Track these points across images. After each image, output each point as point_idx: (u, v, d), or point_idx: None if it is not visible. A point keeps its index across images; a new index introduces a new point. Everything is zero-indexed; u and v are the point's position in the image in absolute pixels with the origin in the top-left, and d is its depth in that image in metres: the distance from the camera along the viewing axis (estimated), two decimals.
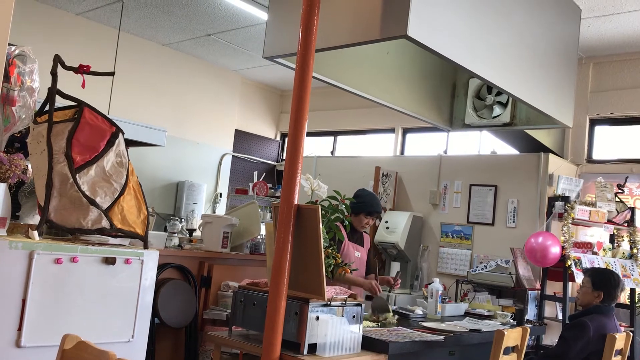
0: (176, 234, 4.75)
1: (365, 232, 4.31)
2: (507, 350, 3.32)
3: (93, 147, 2.36)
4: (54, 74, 2.40)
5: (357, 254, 4.11)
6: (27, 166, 2.18)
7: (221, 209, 7.31)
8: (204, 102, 7.51)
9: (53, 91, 2.37)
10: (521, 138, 5.38)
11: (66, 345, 1.85)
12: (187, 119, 7.30)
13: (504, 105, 4.96)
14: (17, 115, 2.21)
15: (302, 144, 2.77)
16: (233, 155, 7.74)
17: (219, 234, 4.45)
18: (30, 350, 2.14)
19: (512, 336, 3.31)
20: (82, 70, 2.55)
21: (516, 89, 4.00)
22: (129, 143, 5.74)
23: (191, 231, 4.91)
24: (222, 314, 4.25)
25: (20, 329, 2.11)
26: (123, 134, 2.49)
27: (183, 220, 6.51)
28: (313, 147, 8.11)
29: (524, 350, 3.40)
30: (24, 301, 2.12)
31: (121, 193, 2.40)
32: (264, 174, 6.69)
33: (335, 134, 8.02)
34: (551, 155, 5.20)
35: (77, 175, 2.29)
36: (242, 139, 7.93)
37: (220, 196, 7.37)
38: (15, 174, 2.10)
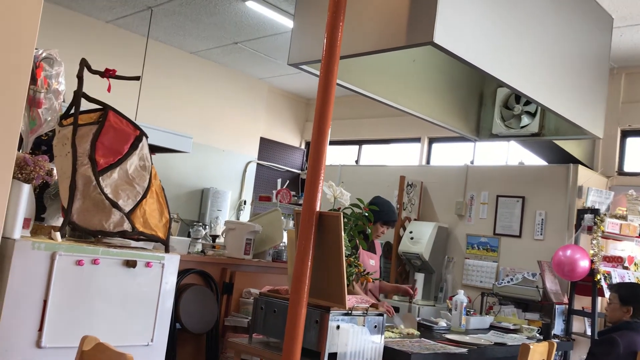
0: (199, 240, 4.76)
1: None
2: None
3: (117, 150, 2.37)
4: (80, 77, 2.42)
5: (371, 262, 4.07)
6: (52, 169, 2.19)
7: (245, 216, 7.33)
8: (230, 110, 7.56)
9: (79, 94, 2.39)
10: (550, 149, 5.28)
11: (85, 346, 1.85)
12: (213, 126, 7.35)
13: (532, 115, 4.87)
14: (43, 117, 2.23)
15: (325, 149, 2.75)
16: (258, 163, 7.76)
17: (242, 240, 4.45)
18: (50, 350, 2.14)
19: (539, 350, 3.22)
20: (108, 74, 2.57)
21: (545, 98, 3.92)
22: (155, 149, 5.85)
23: (214, 237, 4.91)
24: (244, 321, 4.24)
25: (41, 329, 2.12)
26: (147, 137, 2.50)
27: (207, 226, 6.54)
28: (337, 155, 8.09)
29: None
30: (45, 302, 2.13)
31: (144, 196, 2.40)
32: (288, 181, 6.69)
33: (360, 142, 7.98)
34: (580, 167, 5.09)
35: (100, 177, 2.30)
36: (267, 146, 7.95)
37: (245, 203, 7.39)
38: (40, 175, 2.11)
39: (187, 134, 5.88)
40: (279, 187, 5.99)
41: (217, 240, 4.87)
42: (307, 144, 8.61)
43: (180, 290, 4.00)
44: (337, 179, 6.34)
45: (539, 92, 3.85)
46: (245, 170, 7.56)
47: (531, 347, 3.10)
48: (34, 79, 2.12)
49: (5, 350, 2.05)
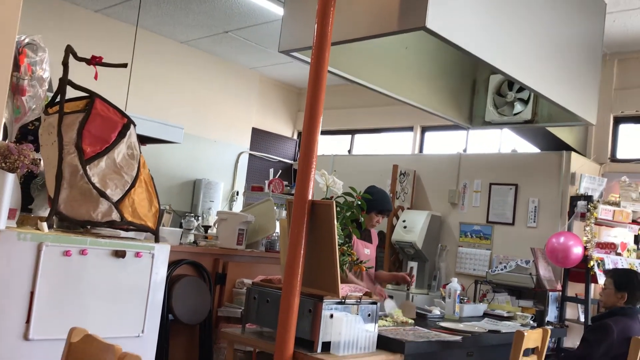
0: (192, 231, 4.72)
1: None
2: (527, 352, 3.22)
3: (104, 139, 2.32)
4: (65, 64, 2.37)
5: (366, 251, 4.05)
6: (38, 158, 2.15)
7: (238, 207, 7.29)
8: (222, 100, 7.49)
9: (64, 82, 2.34)
10: (543, 136, 5.26)
11: (73, 338, 1.81)
12: (205, 117, 7.28)
13: (525, 102, 4.85)
14: (27, 105, 2.18)
15: (316, 136, 2.71)
16: (250, 154, 7.71)
17: (234, 231, 4.41)
18: (38, 343, 2.11)
19: (533, 337, 3.21)
20: (94, 61, 2.52)
21: (538, 84, 3.89)
22: (146, 140, 5.78)
23: (207, 228, 4.88)
24: (237, 311, 4.21)
25: (28, 321, 2.08)
26: (135, 125, 2.45)
27: (199, 217, 6.50)
28: (330, 145, 8.05)
29: (545, 353, 3.30)
30: (32, 293, 2.09)
31: (132, 185, 2.36)
32: (280, 171, 6.64)
33: (352, 132, 7.95)
34: (573, 154, 5.08)
35: (87, 166, 2.25)
36: (259, 137, 7.90)
37: (237, 194, 7.34)
38: (24, 164, 2.07)
39: (178, 124, 5.82)
40: (271, 177, 5.95)
41: (209, 231, 4.83)
42: (300, 134, 8.56)
43: (172, 281, 3.97)
44: (329, 168, 6.30)
45: (531, 78, 3.82)
46: (237, 161, 7.51)
47: (525, 334, 3.10)
48: (17, 66, 2.07)
49: None
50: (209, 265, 4.29)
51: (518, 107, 4.88)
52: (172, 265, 4.00)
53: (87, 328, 2.07)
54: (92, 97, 2.38)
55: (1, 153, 2.01)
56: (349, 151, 7.86)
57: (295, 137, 8.57)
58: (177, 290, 3.95)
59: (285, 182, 6.14)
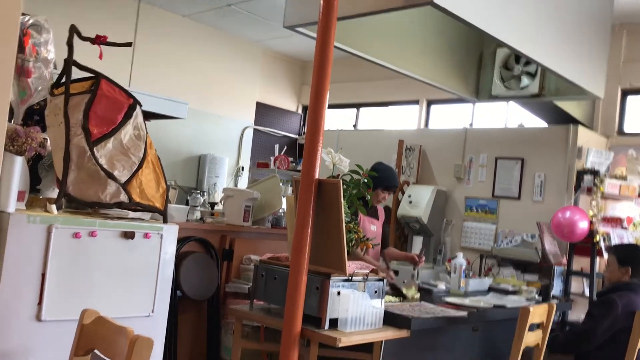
0: (198, 208, 4.74)
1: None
2: (532, 327, 3.25)
3: (110, 120, 2.32)
4: (70, 44, 2.35)
5: (372, 228, 4.06)
6: (45, 139, 2.15)
7: (243, 183, 7.30)
8: (226, 74, 7.44)
9: (69, 62, 2.32)
10: (549, 109, 5.22)
11: (85, 320, 1.83)
12: (209, 92, 7.24)
13: (532, 75, 4.81)
14: (33, 87, 2.17)
15: (323, 115, 2.70)
16: (254, 129, 7.68)
17: (241, 207, 4.43)
18: (50, 323, 2.14)
19: (538, 313, 3.24)
20: (98, 41, 2.49)
21: (545, 58, 3.86)
22: (150, 116, 5.77)
23: (213, 204, 4.89)
24: (244, 287, 4.25)
25: (40, 303, 2.11)
26: (141, 106, 2.44)
27: (205, 193, 6.52)
28: (335, 119, 8.02)
29: (550, 327, 3.33)
30: (43, 275, 2.11)
31: (139, 167, 2.36)
32: (285, 147, 6.62)
33: (358, 106, 7.90)
34: (580, 128, 5.04)
35: (94, 148, 2.25)
36: (263, 111, 7.86)
37: (242, 170, 7.34)
38: (32, 147, 2.07)
39: (182, 99, 5.80)
40: (276, 153, 5.94)
41: (215, 208, 4.84)
42: (304, 108, 8.52)
43: (180, 258, 3.99)
44: (335, 144, 6.29)
45: (538, 51, 3.78)
46: (242, 136, 7.49)
47: (531, 310, 3.12)
48: (21, 47, 2.05)
49: (6, 324, 2.04)
50: (216, 242, 4.32)
51: (525, 80, 4.84)
52: (180, 242, 4.02)
53: (98, 309, 2.10)
54: (97, 77, 2.36)
55: (9, 136, 2.01)
56: (354, 126, 7.83)
57: (299, 111, 8.53)
58: (185, 267, 3.98)
59: (291, 158, 6.14)
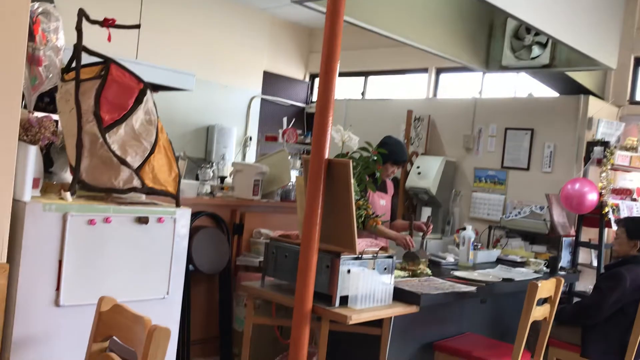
0: (208, 182, 4.77)
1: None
2: (540, 301, 3.29)
3: (121, 106, 2.32)
4: (79, 29, 2.34)
5: (382, 202, 4.08)
6: (57, 129, 2.16)
7: (251, 153, 7.31)
8: (233, 44, 7.37)
9: (79, 48, 2.32)
10: (560, 79, 5.17)
11: (103, 307, 1.88)
12: (216, 61, 7.19)
13: (543, 45, 4.75)
14: (44, 74, 2.17)
15: (332, 95, 2.68)
16: (262, 98, 7.65)
17: (250, 182, 4.45)
18: (68, 308, 2.19)
19: (546, 288, 3.27)
20: (107, 24, 2.48)
21: (555, 29, 3.80)
22: (158, 88, 5.75)
23: (222, 178, 4.91)
24: (255, 261, 4.31)
25: (58, 288, 2.16)
26: (151, 90, 2.44)
27: (214, 164, 6.54)
28: (343, 88, 7.95)
29: (557, 302, 3.37)
30: (60, 262, 2.15)
31: (151, 152, 2.38)
32: (294, 120, 6.60)
33: (365, 74, 7.83)
34: (591, 98, 4.99)
35: (106, 134, 2.27)
36: (270, 81, 7.81)
37: (250, 140, 7.35)
38: (45, 136, 2.08)
39: (189, 71, 5.77)
40: (284, 127, 5.92)
41: (225, 181, 4.87)
42: (312, 76, 8.46)
43: (191, 233, 4.03)
44: (342, 114, 6.27)
45: (549, 22, 3.72)
46: (249, 106, 7.47)
47: (539, 285, 3.15)
48: (31, 36, 2.05)
49: (26, 310, 2.09)
50: (226, 216, 4.36)
51: (536, 50, 4.78)
52: (191, 217, 4.06)
53: (114, 293, 2.14)
54: (107, 62, 2.36)
55: (22, 126, 2.02)
56: (362, 94, 7.78)
57: (307, 79, 8.47)
58: (196, 241, 4.03)
59: (299, 131, 6.12)
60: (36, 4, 2.07)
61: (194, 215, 4.10)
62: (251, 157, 7.28)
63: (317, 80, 8.23)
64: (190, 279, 4.07)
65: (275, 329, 3.82)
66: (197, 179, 5.17)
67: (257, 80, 7.66)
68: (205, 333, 4.31)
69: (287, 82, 8.11)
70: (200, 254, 4.07)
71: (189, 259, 3.98)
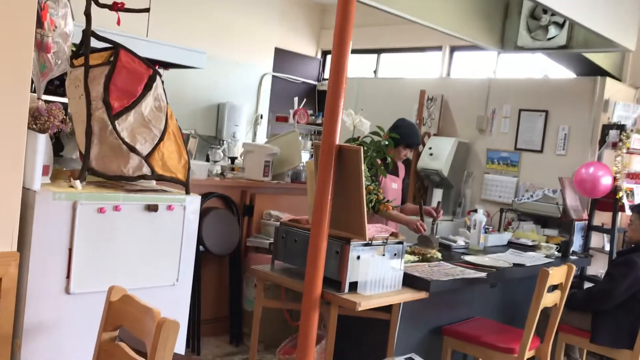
0: (218, 162, 4.77)
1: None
2: (551, 288, 3.27)
3: (130, 92, 2.30)
4: (87, 14, 2.31)
5: (393, 186, 4.05)
6: (66, 116, 2.15)
7: (262, 131, 7.27)
8: (244, 20, 7.28)
9: (88, 33, 2.29)
10: (576, 60, 5.07)
11: (112, 297, 1.88)
12: (227, 38, 7.11)
13: (560, 25, 4.65)
14: (53, 61, 2.15)
15: (343, 83, 2.64)
16: (273, 75, 7.58)
17: (261, 163, 4.45)
18: (78, 296, 2.20)
19: (557, 275, 3.25)
20: (116, 7, 2.45)
21: (573, 10, 3.71)
22: (169, 66, 5.71)
23: (233, 159, 4.91)
24: (265, 242, 4.32)
25: (68, 276, 2.17)
26: (160, 76, 2.41)
27: (224, 142, 6.53)
28: (355, 66, 7.86)
29: (568, 288, 3.36)
30: (70, 250, 2.16)
31: (161, 139, 2.36)
32: (305, 100, 6.53)
33: (378, 51, 7.73)
34: (608, 80, 4.90)
35: (115, 122, 2.25)
36: (282, 57, 7.73)
37: (261, 118, 7.31)
38: (54, 125, 2.07)
39: (200, 49, 5.72)
40: (295, 107, 5.88)
41: (235, 162, 4.86)
42: (324, 53, 8.37)
43: (202, 214, 4.04)
44: (354, 93, 6.21)
45: (566, 3, 3.63)
46: (260, 83, 7.41)
47: (550, 272, 3.13)
48: (39, 23, 2.03)
49: (37, 297, 2.11)
50: (236, 198, 4.36)
51: (552, 31, 4.68)
52: (202, 198, 4.07)
53: (124, 280, 2.16)
54: (116, 48, 2.34)
55: (31, 114, 2.01)
56: (375, 72, 7.69)
57: (318, 56, 8.38)
58: (207, 222, 4.04)
59: (310, 111, 6.07)
60: None
61: (205, 197, 4.11)
62: (262, 135, 7.25)
63: (328, 57, 8.15)
64: (201, 260, 4.09)
65: (284, 312, 3.85)
66: (207, 159, 5.16)
67: (268, 57, 7.58)
68: (215, 313, 4.35)
69: (298, 58, 8.02)
70: (211, 235, 4.08)
71: (200, 240, 4.01)
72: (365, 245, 2.93)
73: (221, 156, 5.02)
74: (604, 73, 5.00)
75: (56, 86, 2.89)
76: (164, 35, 5.71)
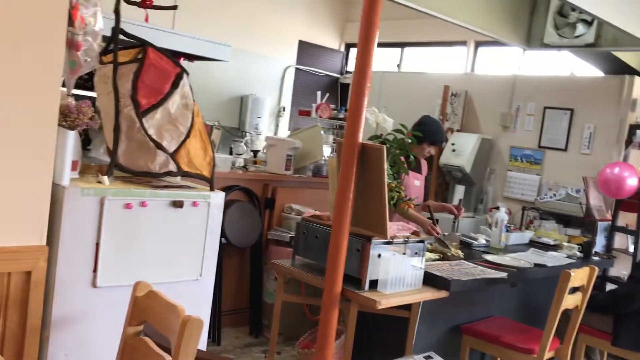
0: (241, 156, 4.81)
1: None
2: (572, 289, 3.25)
3: (158, 90, 2.33)
4: (117, 12, 2.34)
5: (416, 183, 4.05)
6: (95, 114, 2.19)
7: (284, 123, 7.30)
8: (268, 13, 7.29)
9: (117, 31, 2.33)
10: (605, 58, 5.00)
11: (138, 292, 1.92)
12: (251, 30, 7.14)
13: (588, 23, 4.58)
14: (83, 58, 2.19)
15: (367, 81, 2.64)
16: (296, 68, 7.59)
17: (283, 156, 4.47)
18: (105, 289, 2.25)
19: (579, 277, 3.23)
20: (144, 5, 2.49)
21: (602, 9, 3.65)
22: (195, 58, 5.74)
23: (255, 152, 4.94)
24: (286, 236, 4.36)
25: (95, 270, 2.22)
26: (187, 74, 2.44)
27: (247, 134, 6.57)
28: (379, 60, 7.83)
29: (590, 291, 3.33)
30: (97, 245, 2.21)
31: (187, 136, 2.40)
32: (328, 94, 6.53)
33: (402, 45, 7.69)
34: (637, 78, 4.82)
35: (143, 119, 2.29)
36: (305, 50, 7.73)
37: (283, 110, 7.33)
38: (83, 122, 2.12)
39: (225, 42, 5.74)
40: (318, 101, 5.88)
41: (258, 155, 4.90)
42: (347, 46, 8.34)
43: (224, 207, 4.07)
44: (377, 87, 6.19)
45: (595, 1, 3.58)
46: (283, 76, 7.43)
47: (572, 274, 3.11)
48: (70, 21, 2.06)
49: (65, 290, 2.16)
50: (258, 191, 4.40)
51: (580, 28, 4.62)
52: (224, 190, 4.12)
53: (149, 275, 2.21)
54: (144, 46, 2.37)
55: (61, 112, 2.06)
56: (399, 66, 7.66)
57: (342, 49, 8.36)
58: (229, 215, 4.09)
59: (333, 106, 6.07)
60: None
61: (227, 189, 4.15)
62: (284, 127, 7.28)
63: (352, 50, 8.13)
64: (223, 252, 4.14)
65: (304, 306, 3.89)
66: (230, 152, 5.21)
67: (292, 50, 7.59)
68: (236, 304, 4.41)
69: (322, 51, 8.02)
70: (233, 228, 4.13)
71: (222, 232, 4.04)
72: (386, 243, 2.94)
73: (244, 149, 5.06)
74: (632, 72, 4.92)
75: (85, 80, 2.93)
76: (190, 27, 5.75)
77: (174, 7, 2.57)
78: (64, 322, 2.17)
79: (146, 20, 2.57)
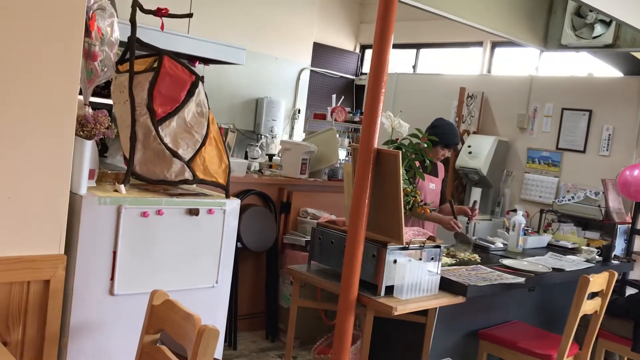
0: (257, 160, 4.82)
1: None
2: (591, 294, 3.21)
3: (174, 98, 2.35)
4: (133, 21, 2.36)
5: (431, 186, 4.03)
6: (111, 123, 2.21)
7: (299, 126, 7.30)
8: (283, 15, 7.30)
9: (133, 40, 2.34)
10: (624, 58, 4.94)
11: (155, 301, 1.94)
12: (266, 33, 7.14)
13: (606, 24, 4.52)
14: (100, 68, 2.21)
15: (382, 87, 2.64)
16: (311, 70, 7.59)
17: (298, 160, 4.48)
18: (122, 297, 2.27)
19: (598, 282, 3.19)
20: (160, 13, 2.50)
21: (620, 10, 3.61)
22: (210, 62, 5.77)
23: (271, 156, 4.95)
24: (301, 240, 4.36)
25: (112, 278, 2.24)
26: (203, 82, 2.45)
27: (262, 137, 6.59)
28: (394, 61, 7.80)
29: (609, 296, 3.29)
30: (114, 253, 2.22)
31: (202, 144, 2.41)
32: (342, 97, 6.51)
33: (417, 46, 7.66)
34: None
35: (159, 127, 2.30)
36: (320, 52, 7.72)
37: (299, 112, 7.33)
38: (100, 132, 2.14)
39: (240, 45, 5.76)
40: (333, 104, 5.88)
41: (273, 159, 4.91)
42: (362, 47, 8.33)
43: (240, 211, 4.09)
44: (392, 88, 6.17)
45: (612, 3, 3.53)
46: (298, 78, 7.43)
47: (590, 279, 3.07)
48: (87, 32, 2.08)
49: (83, 298, 2.18)
50: (274, 195, 4.41)
51: (598, 29, 4.56)
52: (240, 195, 4.14)
53: (165, 282, 2.22)
54: (160, 54, 2.38)
55: (79, 122, 2.08)
56: (414, 67, 7.62)
57: (357, 50, 8.35)
58: (244, 219, 4.10)
59: (348, 109, 6.07)
60: (92, 0, 2.09)
61: (243, 194, 4.16)
62: (299, 130, 7.28)
63: (367, 52, 8.11)
64: (239, 257, 4.16)
65: (320, 311, 3.88)
66: (246, 157, 5.22)
67: (306, 52, 7.59)
68: (252, 308, 4.42)
69: (337, 53, 8.01)
70: (248, 232, 4.14)
71: (237, 237, 4.06)
72: (402, 249, 2.93)
73: (259, 153, 5.07)
74: None
75: (101, 87, 2.95)
76: (204, 31, 5.77)
77: (190, 15, 2.58)
78: (81, 329, 2.19)
79: (162, 28, 2.59)
